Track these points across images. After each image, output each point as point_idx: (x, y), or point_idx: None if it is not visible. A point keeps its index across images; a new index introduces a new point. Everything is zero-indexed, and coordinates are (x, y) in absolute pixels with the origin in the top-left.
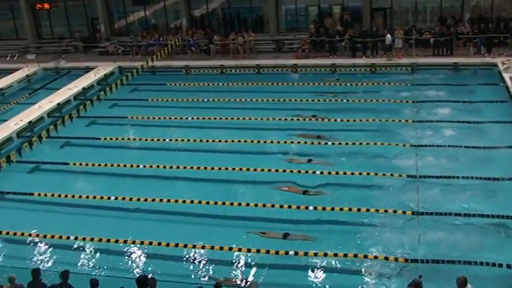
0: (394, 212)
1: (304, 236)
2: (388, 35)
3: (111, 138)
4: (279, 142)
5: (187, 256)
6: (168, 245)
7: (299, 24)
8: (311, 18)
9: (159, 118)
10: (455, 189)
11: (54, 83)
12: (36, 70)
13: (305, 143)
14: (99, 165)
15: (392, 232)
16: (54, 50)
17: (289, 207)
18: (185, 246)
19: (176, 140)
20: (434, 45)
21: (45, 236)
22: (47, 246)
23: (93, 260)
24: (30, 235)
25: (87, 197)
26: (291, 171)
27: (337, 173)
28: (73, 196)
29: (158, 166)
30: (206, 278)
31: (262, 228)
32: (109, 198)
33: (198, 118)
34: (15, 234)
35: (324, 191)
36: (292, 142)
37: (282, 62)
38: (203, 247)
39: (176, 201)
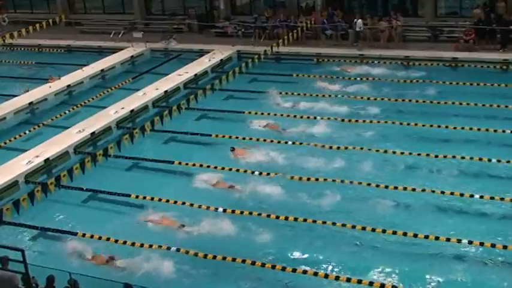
0: None
1: None
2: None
3: (223, 136)
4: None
5: None
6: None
7: (462, 8)
8: (480, 1)
9: (281, 115)
10: None
11: (162, 66)
12: (142, 51)
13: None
14: (208, 166)
15: None
16: (165, 28)
17: None
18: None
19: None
20: None
21: (141, 245)
22: (140, 256)
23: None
24: (124, 243)
25: (191, 205)
26: None
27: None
28: (175, 202)
29: (276, 173)
30: None
31: None
32: (216, 209)
33: (329, 118)
34: (108, 239)
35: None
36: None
37: (438, 55)
38: None
39: None
